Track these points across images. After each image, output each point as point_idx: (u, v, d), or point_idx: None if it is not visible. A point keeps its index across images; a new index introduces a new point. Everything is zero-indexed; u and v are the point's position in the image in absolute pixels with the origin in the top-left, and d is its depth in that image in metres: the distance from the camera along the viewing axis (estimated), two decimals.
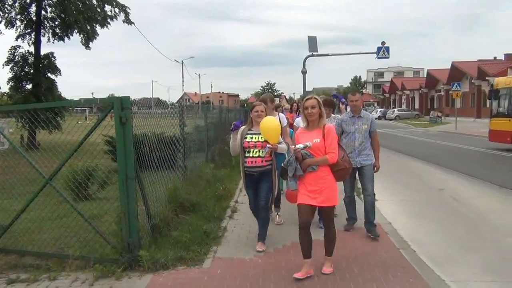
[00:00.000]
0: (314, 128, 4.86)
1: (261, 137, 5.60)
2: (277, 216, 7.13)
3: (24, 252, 5.54)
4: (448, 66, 54.88)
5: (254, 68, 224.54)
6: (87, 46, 22.79)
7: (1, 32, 22.36)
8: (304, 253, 4.80)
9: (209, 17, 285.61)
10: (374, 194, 6.37)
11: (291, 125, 8.90)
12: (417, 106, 71.32)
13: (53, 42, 22.93)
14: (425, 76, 72.30)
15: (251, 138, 5.70)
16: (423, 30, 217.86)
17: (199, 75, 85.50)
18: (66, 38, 22.89)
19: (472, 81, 49.65)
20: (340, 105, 7.73)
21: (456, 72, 52.23)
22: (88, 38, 22.44)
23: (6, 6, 21.78)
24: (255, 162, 5.60)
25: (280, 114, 7.21)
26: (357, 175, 6.50)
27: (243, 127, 5.91)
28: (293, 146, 4.79)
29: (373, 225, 6.30)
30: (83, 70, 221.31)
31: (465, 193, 9.75)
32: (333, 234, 4.93)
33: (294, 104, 12.67)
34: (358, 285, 4.59)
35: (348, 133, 6.36)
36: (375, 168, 6.37)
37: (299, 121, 7.39)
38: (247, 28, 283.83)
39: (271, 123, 5.39)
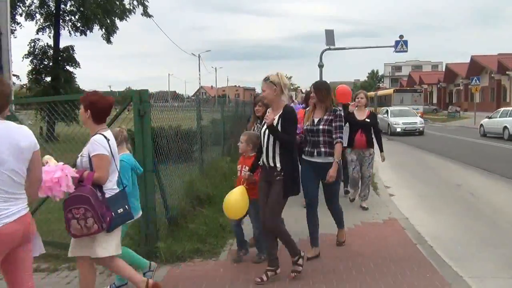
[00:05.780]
0: None
1: None
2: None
3: (44, 242, 5.57)
4: (467, 60, 54.02)
5: (270, 62, 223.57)
6: (108, 41, 22.88)
7: (21, 25, 22.68)
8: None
9: (224, 10, 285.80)
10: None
11: None
12: (435, 101, 70.41)
13: (75, 35, 23.12)
14: (443, 70, 71.35)
15: None
16: (440, 23, 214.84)
17: (216, 68, 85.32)
18: (88, 32, 23.01)
19: (492, 75, 48.80)
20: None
21: (476, 66, 51.37)
22: (108, 32, 22.57)
23: None
24: None
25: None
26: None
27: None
28: None
29: None
30: (99, 63, 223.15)
31: (483, 189, 9.63)
32: None
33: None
34: (374, 280, 4.58)
35: None
36: None
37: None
38: (263, 21, 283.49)
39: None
